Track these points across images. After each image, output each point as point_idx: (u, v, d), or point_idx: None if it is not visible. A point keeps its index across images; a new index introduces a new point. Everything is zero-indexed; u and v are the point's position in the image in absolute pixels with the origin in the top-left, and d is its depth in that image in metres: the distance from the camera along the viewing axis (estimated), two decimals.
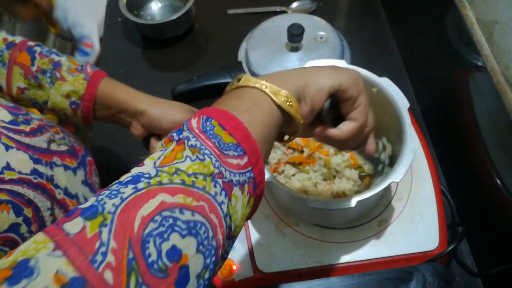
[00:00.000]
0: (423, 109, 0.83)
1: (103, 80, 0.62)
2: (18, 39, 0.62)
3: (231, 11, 1.03)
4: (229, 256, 0.62)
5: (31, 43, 0.63)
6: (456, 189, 0.73)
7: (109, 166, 0.74)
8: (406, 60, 0.93)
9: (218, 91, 0.85)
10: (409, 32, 0.92)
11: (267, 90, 0.37)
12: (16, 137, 0.54)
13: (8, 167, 0.50)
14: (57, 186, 0.57)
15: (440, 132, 0.79)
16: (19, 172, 0.51)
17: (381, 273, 0.58)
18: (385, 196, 0.65)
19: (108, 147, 0.85)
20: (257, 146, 0.35)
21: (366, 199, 0.52)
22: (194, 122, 0.34)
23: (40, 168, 0.55)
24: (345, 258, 0.61)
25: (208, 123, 0.34)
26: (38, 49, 0.62)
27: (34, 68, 0.60)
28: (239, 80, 0.39)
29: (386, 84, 0.60)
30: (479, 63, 0.62)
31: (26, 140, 0.55)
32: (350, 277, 0.58)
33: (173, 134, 0.33)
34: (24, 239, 0.51)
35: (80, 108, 0.62)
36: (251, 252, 0.62)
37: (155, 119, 0.60)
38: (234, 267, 0.61)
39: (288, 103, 0.38)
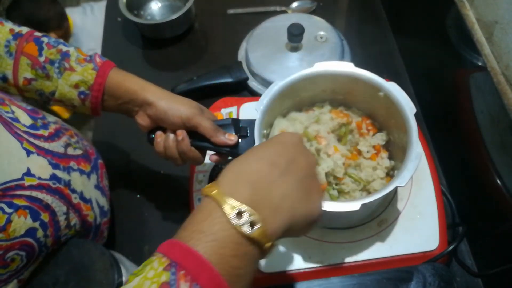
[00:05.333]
0: (424, 108, 0.83)
1: (112, 70, 0.62)
2: (24, 29, 0.62)
3: (231, 11, 1.03)
4: None
5: (38, 34, 0.62)
6: (456, 189, 0.73)
7: (112, 166, 0.74)
8: (406, 60, 0.93)
9: (218, 91, 0.86)
10: (409, 31, 0.92)
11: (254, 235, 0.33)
12: (36, 142, 0.54)
13: (28, 173, 0.50)
14: (73, 191, 0.58)
15: (440, 132, 0.79)
16: (39, 178, 0.52)
17: (381, 273, 0.58)
18: (386, 197, 0.65)
19: (109, 147, 0.85)
20: None
21: (370, 202, 0.52)
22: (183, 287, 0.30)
23: (59, 173, 0.56)
24: (345, 259, 0.61)
25: None
26: (45, 39, 0.62)
27: (42, 59, 0.60)
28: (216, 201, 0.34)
29: (393, 88, 0.60)
30: (480, 63, 0.62)
31: (45, 145, 0.56)
32: (350, 277, 0.58)
33: None
34: (40, 244, 0.51)
35: (89, 98, 0.61)
36: None
37: (162, 112, 0.60)
38: None
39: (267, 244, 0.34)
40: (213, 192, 0.35)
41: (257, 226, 0.33)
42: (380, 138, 0.64)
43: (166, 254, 0.32)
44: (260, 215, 0.33)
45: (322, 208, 0.50)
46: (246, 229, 0.33)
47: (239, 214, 0.33)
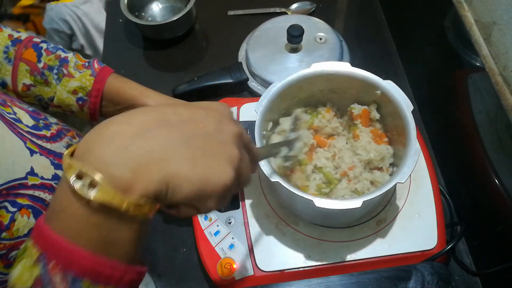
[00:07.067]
0: (422, 109, 0.84)
1: (110, 76, 0.62)
2: (23, 35, 0.62)
3: (231, 12, 1.04)
4: (230, 254, 0.63)
5: (37, 40, 0.63)
6: (455, 188, 0.73)
7: None
8: (405, 61, 0.93)
9: (218, 91, 0.87)
10: (408, 32, 0.93)
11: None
12: (39, 142, 0.55)
13: (32, 172, 0.51)
14: None
15: (438, 132, 0.80)
16: (42, 178, 0.52)
17: (380, 272, 0.59)
18: (385, 195, 0.65)
19: None
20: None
21: (371, 199, 0.52)
22: (56, 285, 0.28)
23: (61, 173, 0.56)
24: (344, 257, 0.61)
25: (78, 286, 0.28)
26: (44, 45, 0.62)
27: (40, 65, 0.61)
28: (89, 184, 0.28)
29: (390, 86, 0.60)
30: (478, 64, 0.62)
31: (48, 145, 0.56)
32: (349, 276, 0.59)
33: None
34: None
35: (87, 104, 0.62)
36: (251, 251, 0.62)
37: None
38: (234, 266, 0.62)
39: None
40: (64, 154, 0.29)
41: (96, 188, 0.27)
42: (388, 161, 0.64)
43: (36, 242, 0.29)
44: (107, 173, 0.27)
45: (325, 207, 0.51)
46: (83, 193, 0.27)
47: (77, 177, 0.28)
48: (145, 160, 0.29)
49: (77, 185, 0.27)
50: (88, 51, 1.79)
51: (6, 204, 0.47)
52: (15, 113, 0.55)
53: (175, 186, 0.30)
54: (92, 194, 0.27)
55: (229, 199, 0.36)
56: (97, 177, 0.27)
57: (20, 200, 0.48)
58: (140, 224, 0.30)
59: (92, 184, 0.27)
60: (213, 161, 0.32)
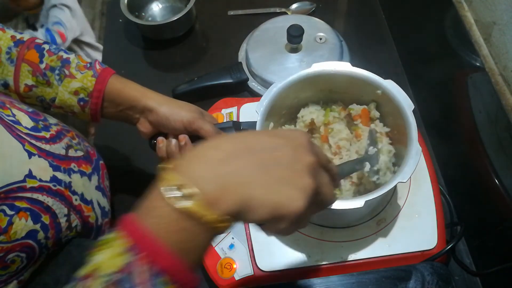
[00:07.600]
0: (422, 109, 0.84)
1: (111, 77, 0.62)
2: (26, 36, 0.62)
3: (231, 12, 1.04)
4: (230, 254, 0.63)
5: (39, 41, 0.63)
6: (455, 188, 0.73)
7: (113, 166, 0.75)
8: (405, 61, 0.93)
9: (218, 91, 0.87)
10: (408, 33, 0.93)
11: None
12: (38, 144, 0.55)
13: (30, 174, 0.50)
14: (74, 193, 0.58)
15: (438, 132, 0.80)
16: (40, 180, 0.52)
17: (380, 272, 0.59)
18: (386, 195, 0.65)
19: (111, 147, 0.85)
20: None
21: (373, 199, 0.52)
22: (140, 274, 0.30)
23: (59, 175, 0.56)
24: (344, 257, 0.62)
25: (158, 280, 0.31)
26: (46, 46, 0.62)
27: (42, 66, 0.61)
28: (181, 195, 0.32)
29: (391, 86, 0.60)
30: (478, 64, 0.62)
31: (47, 147, 0.56)
32: (349, 276, 0.59)
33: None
34: (41, 246, 0.51)
35: (88, 105, 0.62)
36: (251, 251, 0.62)
37: (163, 117, 0.60)
38: (234, 266, 0.62)
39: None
40: (167, 167, 0.34)
41: (192, 199, 0.32)
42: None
43: (128, 234, 0.32)
44: (200, 189, 0.32)
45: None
46: (180, 202, 0.32)
47: (177, 188, 0.32)
48: (228, 182, 0.33)
49: (176, 194, 0.32)
50: (86, 38, 1.79)
51: (4, 207, 0.46)
52: (14, 115, 0.55)
53: (251, 207, 0.34)
54: (188, 204, 0.32)
55: (306, 223, 0.39)
56: (195, 191, 0.32)
57: (18, 203, 0.48)
58: (214, 235, 0.34)
59: (187, 196, 0.32)
60: (286, 189, 0.35)
